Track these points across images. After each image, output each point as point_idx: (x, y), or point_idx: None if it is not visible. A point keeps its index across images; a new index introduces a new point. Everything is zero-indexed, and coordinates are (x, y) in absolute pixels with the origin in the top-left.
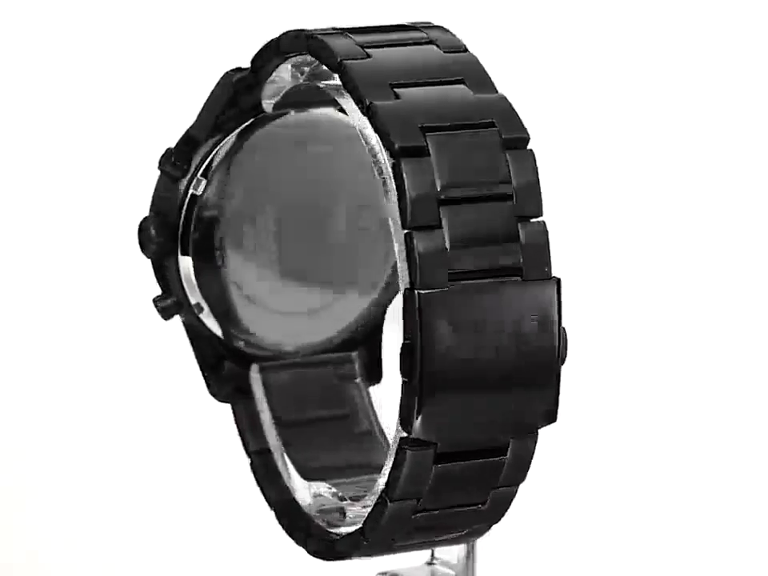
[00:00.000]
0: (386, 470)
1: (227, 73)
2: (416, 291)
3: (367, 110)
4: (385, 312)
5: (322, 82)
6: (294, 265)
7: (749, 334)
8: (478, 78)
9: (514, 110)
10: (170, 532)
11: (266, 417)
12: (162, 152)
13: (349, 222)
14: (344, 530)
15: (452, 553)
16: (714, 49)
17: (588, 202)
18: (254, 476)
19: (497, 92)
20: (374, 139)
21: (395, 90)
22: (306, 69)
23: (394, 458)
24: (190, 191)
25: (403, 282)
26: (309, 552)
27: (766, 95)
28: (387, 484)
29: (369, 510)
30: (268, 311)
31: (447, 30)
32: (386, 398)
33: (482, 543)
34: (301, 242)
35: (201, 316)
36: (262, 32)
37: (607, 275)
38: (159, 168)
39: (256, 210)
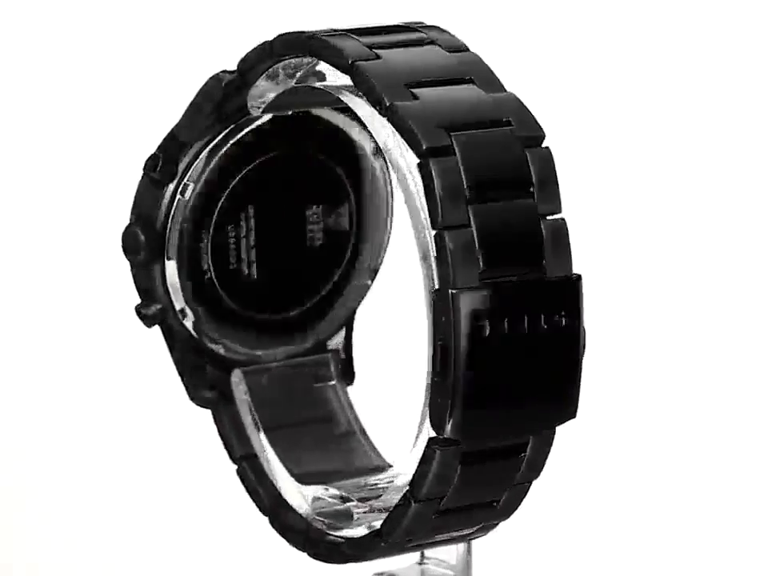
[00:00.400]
0: (406, 469)
1: (217, 74)
2: (450, 291)
3: (387, 111)
4: (354, 313)
5: (317, 83)
6: (271, 268)
7: (755, 331)
8: (486, 78)
9: (527, 108)
10: (166, 536)
11: (248, 421)
12: (147, 157)
13: (321, 226)
14: (348, 532)
15: (449, 552)
16: (715, 48)
17: (587, 199)
18: (243, 482)
19: (505, 91)
20: (393, 140)
21: (411, 90)
22: (297, 72)
23: (421, 458)
24: (178, 196)
25: (430, 281)
26: (310, 556)
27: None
28: (412, 484)
29: (379, 510)
30: (243, 318)
31: (444, 30)
32: (361, 399)
33: (477, 542)
34: (277, 245)
35: (184, 321)
36: (239, 34)
37: (610, 272)
38: (145, 174)
39: (239, 214)
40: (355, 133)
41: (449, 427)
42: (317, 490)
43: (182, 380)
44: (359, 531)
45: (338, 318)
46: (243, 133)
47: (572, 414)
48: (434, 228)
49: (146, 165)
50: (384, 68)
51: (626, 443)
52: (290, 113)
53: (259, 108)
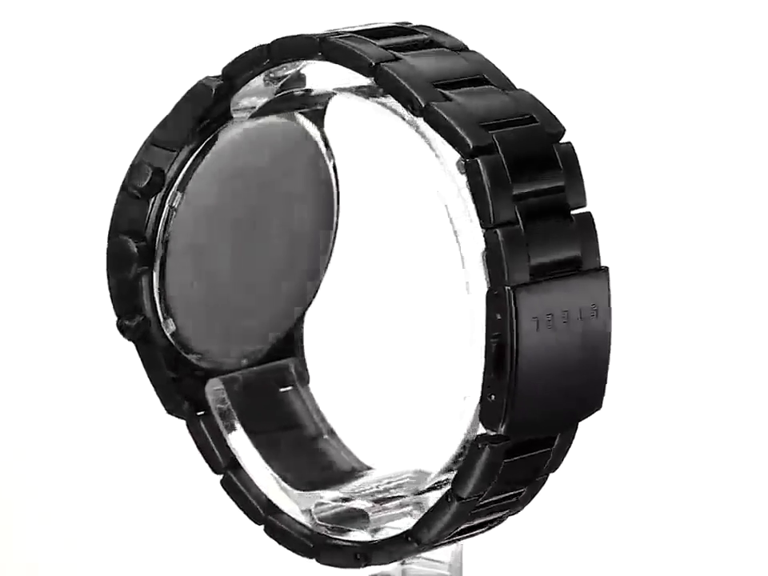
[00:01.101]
0: (432, 468)
1: (205, 80)
2: (506, 288)
3: (423, 111)
4: (303, 316)
5: (298, 90)
6: (242, 272)
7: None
8: (497, 76)
9: (542, 104)
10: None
11: (229, 429)
12: (132, 169)
13: (283, 231)
14: (358, 535)
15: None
16: (717, 48)
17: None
18: (230, 492)
19: (516, 88)
20: (437, 139)
21: (440, 90)
22: (282, 76)
23: (466, 457)
24: (167, 206)
25: (479, 280)
26: (323, 563)
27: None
28: (456, 482)
29: (395, 509)
30: (217, 324)
31: (439, 30)
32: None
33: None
34: (248, 249)
35: (166, 332)
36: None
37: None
38: (132, 187)
39: (218, 221)
40: (312, 133)
41: (504, 424)
42: (320, 495)
43: (158, 393)
44: (366, 535)
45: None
46: (222, 139)
47: (599, 406)
48: (484, 226)
49: (132, 176)
50: (408, 69)
51: (624, 443)
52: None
53: (246, 114)
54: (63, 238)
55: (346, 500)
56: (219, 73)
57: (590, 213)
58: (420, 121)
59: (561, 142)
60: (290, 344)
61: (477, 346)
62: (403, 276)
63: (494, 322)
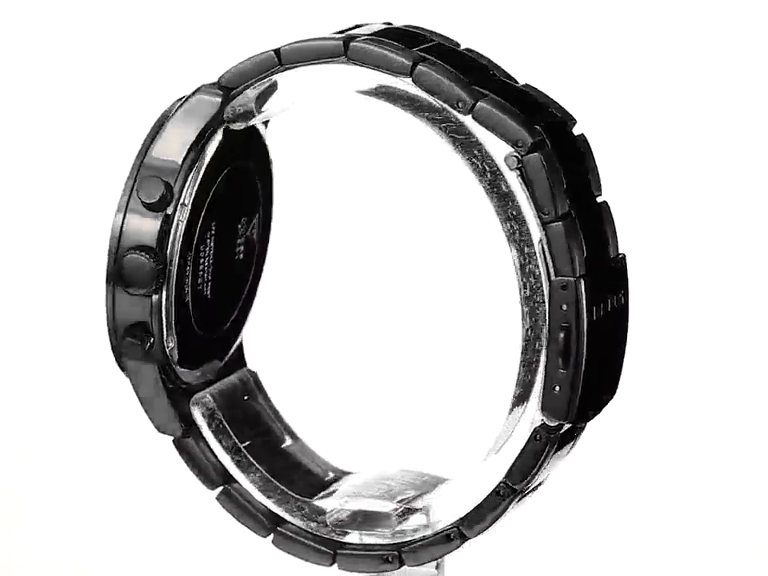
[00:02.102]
0: (491, 460)
1: (207, 88)
2: (573, 279)
3: (472, 109)
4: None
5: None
6: (216, 284)
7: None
8: (501, 71)
9: (548, 95)
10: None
11: (222, 444)
12: (146, 186)
13: (243, 239)
14: (380, 537)
15: None
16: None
17: None
18: (229, 507)
19: (518, 82)
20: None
21: (476, 88)
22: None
23: (525, 448)
24: (176, 220)
25: (536, 273)
26: (345, 570)
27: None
28: (511, 474)
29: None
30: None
31: (432, 31)
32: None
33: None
34: (221, 261)
35: (168, 350)
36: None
37: None
38: (143, 201)
39: (207, 233)
40: (265, 136)
41: (570, 413)
42: (333, 501)
43: (150, 414)
44: (390, 536)
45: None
46: (212, 148)
47: (615, 392)
48: (548, 220)
49: (142, 190)
50: (443, 70)
51: (625, 442)
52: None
53: (240, 122)
54: (59, 245)
55: (357, 502)
56: (211, 79)
57: (606, 201)
58: (468, 119)
59: (576, 134)
60: (241, 355)
61: (540, 339)
62: (438, 277)
63: (560, 313)
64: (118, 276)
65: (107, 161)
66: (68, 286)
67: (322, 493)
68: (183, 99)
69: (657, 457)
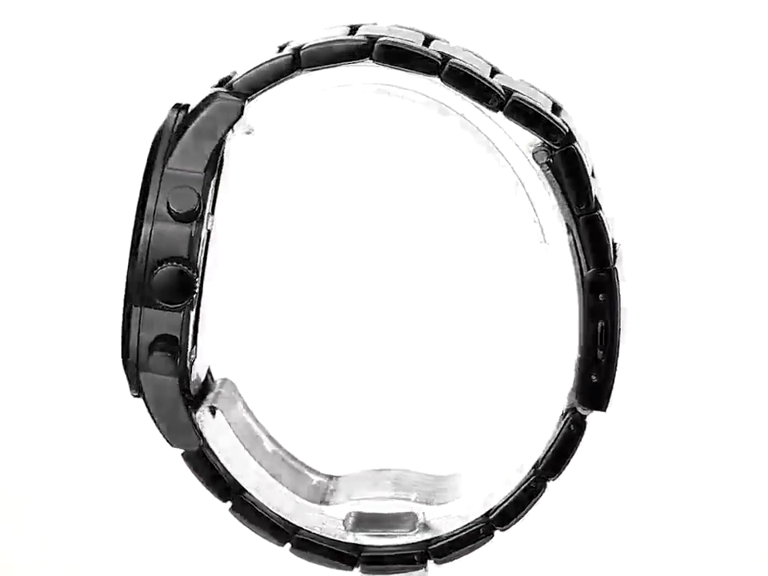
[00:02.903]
0: (529, 450)
1: (223, 98)
2: (610, 270)
3: (504, 103)
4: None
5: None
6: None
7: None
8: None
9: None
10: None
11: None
12: (185, 202)
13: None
14: (406, 536)
15: None
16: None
17: None
18: (245, 518)
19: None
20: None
21: (500, 83)
22: None
23: (559, 439)
24: (205, 229)
25: (566, 265)
26: (370, 573)
27: None
28: (547, 466)
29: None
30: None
31: (427, 31)
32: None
33: None
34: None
35: (189, 360)
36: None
37: None
38: (176, 212)
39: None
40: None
41: (607, 402)
42: (350, 506)
43: (166, 428)
44: (418, 534)
45: None
46: (235, 154)
47: None
48: (585, 211)
49: (174, 200)
50: (469, 66)
51: (624, 442)
52: None
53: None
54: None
55: (374, 505)
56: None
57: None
58: (498, 115)
59: None
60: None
61: (574, 330)
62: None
63: (597, 304)
64: (149, 289)
65: (104, 166)
66: (68, 295)
67: (330, 498)
68: (197, 107)
69: (657, 457)
